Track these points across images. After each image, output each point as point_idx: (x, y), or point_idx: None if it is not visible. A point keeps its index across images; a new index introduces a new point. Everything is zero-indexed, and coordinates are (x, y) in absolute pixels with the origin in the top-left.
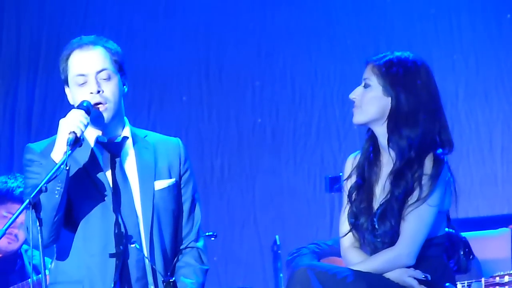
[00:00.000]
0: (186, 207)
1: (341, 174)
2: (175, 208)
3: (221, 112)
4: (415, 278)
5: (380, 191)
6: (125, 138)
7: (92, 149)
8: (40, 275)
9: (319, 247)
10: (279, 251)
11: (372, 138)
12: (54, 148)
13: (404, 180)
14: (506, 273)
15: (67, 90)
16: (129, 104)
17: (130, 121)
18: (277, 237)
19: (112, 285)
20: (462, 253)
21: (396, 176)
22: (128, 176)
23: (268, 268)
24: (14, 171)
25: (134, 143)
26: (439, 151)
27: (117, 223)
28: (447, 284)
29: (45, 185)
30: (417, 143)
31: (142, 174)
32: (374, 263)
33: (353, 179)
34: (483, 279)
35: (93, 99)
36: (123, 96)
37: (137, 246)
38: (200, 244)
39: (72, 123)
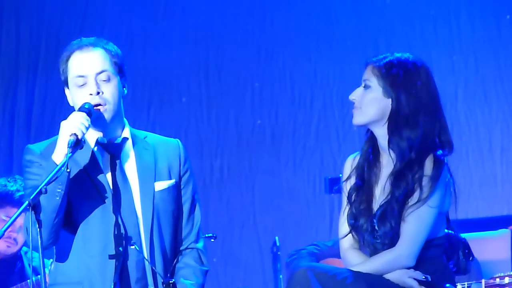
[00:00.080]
0: (186, 208)
1: (340, 175)
2: (175, 209)
3: (221, 113)
4: (415, 279)
5: (380, 192)
6: (125, 139)
7: (92, 151)
8: (39, 276)
9: (318, 248)
10: (278, 252)
11: (372, 139)
12: (55, 150)
13: (404, 181)
14: (506, 274)
15: (66, 91)
16: (129, 105)
17: (129, 122)
18: (276, 238)
19: (112, 286)
20: (461, 254)
21: (397, 177)
22: (128, 177)
23: (268, 269)
24: (13, 172)
25: (134, 144)
26: (439, 152)
27: (117, 224)
28: (447, 285)
29: (45, 186)
30: (417, 144)
31: (142, 175)
32: (374, 264)
33: (353, 180)
34: (483, 280)
35: (93, 100)
36: (122, 98)
37: (137, 248)
38: (200, 245)
39: (73, 125)
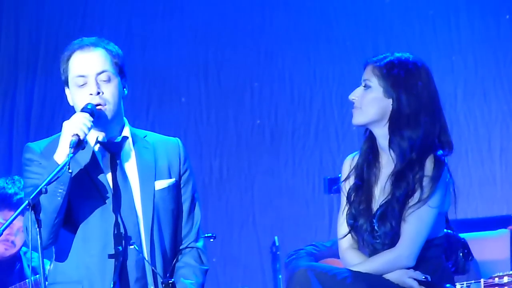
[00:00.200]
0: (185, 207)
1: (339, 175)
2: (174, 208)
3: (220, 113)
4: (415, 279)
5: (380, 193)
6: (125, 138)
7: (92, 150)
8: (38, 276)
9: (317, 248)
10: (278, 252)
11: (370, 139)
12: (57, 149)
13: (405, 182)
14: (505, 273)
15: (67, 91)
16: (128, 105)
17: (129, 122)
18: (276, 238)
19: (112, 285)
20: (461, 254)
21: (397, 177)
22: (128, 176)
23: (267, 269)
24: (13, 172)
25: (134, 143)
26: (440, 152)
27: (116, 224)
28: (447, 285)
29: (45, 186)
30: (418, 145)
31: (143, 174)
32: (374, 264)
33: (352, 180)
34: (482, 280)
35: (93, 100)
36: (122, 98)
37: (136, 248)
38: (200, 244)
39: (76, 125)
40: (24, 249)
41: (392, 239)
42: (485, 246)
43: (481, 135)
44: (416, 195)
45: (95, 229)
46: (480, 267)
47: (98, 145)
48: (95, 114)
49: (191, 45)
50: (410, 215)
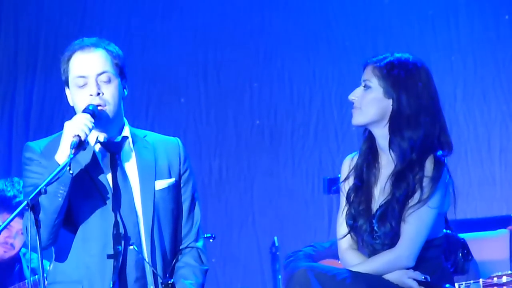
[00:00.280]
0: (185, 206)
1: (339, 175)
2: (174, 207)
3: (219, 114)
4: (414, 280)
5: (379, 193)
6: (125, 137)
7: (93, 150)
8: (37, 276)
9: (315, 249)
10: (277, 253)
11: (370, 140)
12: (58, 150)
13: (405, 182)
14: (503, 273)
15: (67, 91)
16: (127, 105)
17: (128, 122)
18: (275, 238)
19: (111, 285)
20: (460, 254)
21: (397, 177)
22: (128, 176)
23: (267, 269)
24: (12, 173)
25: (134, 143)
26: (439, 153)
27: (116, 223)
28: (446, 285)
29: (44, 187)
30: (418, 145)
31: (143, 174)
32: (374, 265)
33: (351, 180)
34: (481, 280)
35: (93, 101)
36: (123, 99)
37: (135, 248)
38: (199, 244)
39: (77, 126)
40: (23, 250)
41: (391, 240)
42: (484, 246)
43: (480, 135)
44: (416, 196)
45: (95, 229)
46: (479, 267)
47: (98, 145)
48: (96, 115)
49: (190, 45)
50: (410, 216)
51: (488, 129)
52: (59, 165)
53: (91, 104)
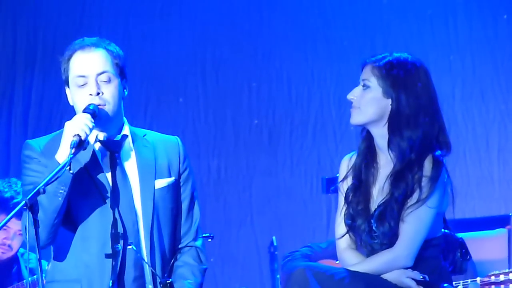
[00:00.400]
0: (185, 205)
1: (337, 175)
2: (174, 207)
3: (218, 113)
4: (413, 279)
5: (378, 193)
6: (125, 136)
7: (92, 149)
8: (35, 276)
9: (312, 250)
10: (276, 252)
11: (368, 139)
12: (58, 149)
13: (404, 182)
14: (501, 272)
15: (67, 90)
16: (126, 105)
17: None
18: (274, 238)
19: (110, 284)
20: (458, 254)
21: (396, 177)
22: (128, 175)
23: (265, 269)
24: (10, 173)
25: (133, 141)
26: (438, 152)
27: (115, 222)
28: (445, 284)
29: (43, 187)
30: (417, 145)
31: (143, 173)
32: (372, 264)
33: (350, 180)
34: (478, 279)
35: (92, 101)
36: (122, 99)
37: (134, 248)
38: (198, 243)
39: (77, 126)
40: (21, 250)
41: (390, 239)
42: (483, 245)
43: (479, 134)
44: (415, 195)
45: (95, 228)
46: (477, 267)
47: (98, 144)
48: (97, 114)
49: (189, 45)
50: (408, 215)
51: (486, 128)
52: (59, 164)
53: (91, 104)
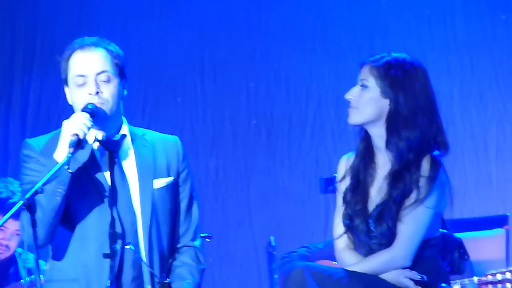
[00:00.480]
0: (183, 205)
1: (335, 175)
2: (172, 206)
3: (216, 113)
4: (411, 279)
5: (376, 193)
6: (123, 136)
7: (91, 148)
8: (33, 276)
9: (309, 250)
10: (274, 252)
11: (366, 139)
12: (57, 149)
13: (402, 182)
14: (498, 271)
15: (66, 90)
16: (124, 105)
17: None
18: (272, 238)
19: (108, 284)
20: (456, 254)
21: (394, 177)
22: (126, 174)
23: (263, 269)
24: (8, 174)
25: (132, 141)
26: (436, 153)
27: (113, 222)
28: (443, 284)
29: (41, 186)
30: (415, 145)
31: (141, 173)
32: (370, 264)
33: (348, 180)
34: (475, 278)
35: (91, 100)
36: (122, 99)
37: (132, 248)
38: (197, 243)
39: (76, 125)
40: (19, 250)
41: (388, 240)
42: (481, 245)
43: (477, 135)
44: (413, 196)
45: (93, 228)
46: (475, 267)
47: (97, 143)
48: (95, 113)
49: (187, 45)
50: (406, 216)
51: (484, 128)
52: (58, 163)
53: (90, 103)
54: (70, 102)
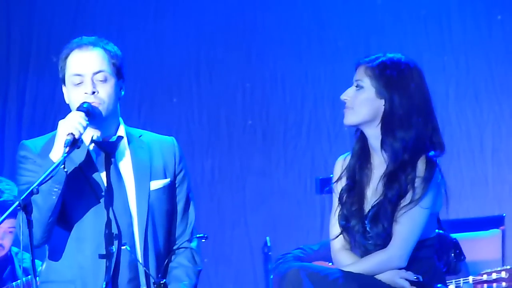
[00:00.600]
0: (180, 206)
1: (331, 175)
2: (169, 208)
3: (212, 114)
4: (406, 280)
5: (372, 194)
6: (120, 137)
7: (87, 149)
8: (30, 276)
9: (304, 252)
10: (269, 253)
11: (362, 140)
12: (52, 148)
13: (397, 183)
14: (493, 270)
15: (64, 89)
16: (120, 105)
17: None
18: (267, 238)
19: (104, 286)
20: (452, 254)
21: (390, 178)
22: (123, 176)
23: (259, 269)
24: (4, 174)
25: (129, 142)
26: (431, 153)
27: (109, 223)
28: (438, 285)
29: (37, 187)
30: (410, 145)
31: (138, 174)
32: (366, 265)
33: (344, 181)
34: (470, 277)
35: (87, 99)
36: (119, 99)
37: (128, 248)
38: (193, 244)
39: (71, 124)
40: (15, 249)
41: (384, 240)
42: (477, 246)
43: (472, 135)
44: (408, 196)
45: (89, 229)
46: (471, 268)
47: (93, 144)
48: (91, 112)
49: (183, 46)
50: (402, 216)
51: (480, 129)
52: (53, 163)
53: (85, 102)
54: (67, 101)
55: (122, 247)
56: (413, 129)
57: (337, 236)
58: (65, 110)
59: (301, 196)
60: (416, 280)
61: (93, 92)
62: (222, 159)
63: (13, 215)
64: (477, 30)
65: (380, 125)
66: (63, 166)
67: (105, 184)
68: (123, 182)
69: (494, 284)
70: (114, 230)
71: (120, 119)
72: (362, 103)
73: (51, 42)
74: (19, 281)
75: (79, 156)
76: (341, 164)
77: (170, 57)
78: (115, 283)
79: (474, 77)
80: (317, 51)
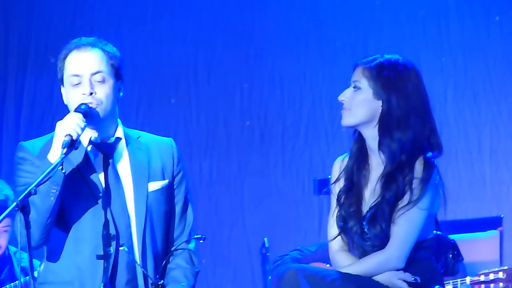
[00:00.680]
0: (178, 208)
1: (329, 176)
2: (167, 209)
3: (210, 115)
4: (404, 281)
5: (370, 195)
6: (118, 139)
7: (85, 150)
8: (28, 277)
9: (302, 253)
10: (267, 254)
11: (360, 141)
12: (50, 150)
13: (395, 184)
14: (490, 270)
15: (62, 89)
16: (118, 106)
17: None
18: (265, 239)
19: (102, 287)
20: (450, 255)
21: (387, 179)
22: (121, 177)
23: (257, 270)
24: (1, 175)
25: (127, 144)
26: (429, 154)
27: (107, 225)
28: (436, 286)
29: (34, 188)
30: (408, 147)
31: (136, 176)
32: (363, 266)
33: (342, 182)
34: (468, 278)
35: (85, 100)
36: (117, 101)
37: (126, 249)
38: (191, 245)
39: (69, 126)
40: (13, 249)
41: (382, 241)
42: (474, 247)
43: (470, 136)
44: (406, 197)
45: (87, 230)
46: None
47: (91, 145)
48: (88, 114)
49: (181, 46)
50: (400, 217)
51: (478, 130)
52: (51, 164)
53: (83, 103)
54: (65, 101)
55: (120, 248)
56: (410, 130)
57: (335, 237)
58: (63, 111)
59: (299, 197)
60: (414, 281)
61: (91, 93)
62: (220, 159)
63: (8, 214)
64: (475, 31)
65: (377, 126)
66: (61, 167)
67: (103, 185)
68: (121, 183)
69: (492, 285)
70: (112, 231)
71: (119, 120)
72: (360, 104)
73: (49, 43)
74: (17, 282)
75: (77, 157)
76: (339, 165)
77: (168, 58)
78: (113, 284)
79: (472, 78)
80: (315, 52)
